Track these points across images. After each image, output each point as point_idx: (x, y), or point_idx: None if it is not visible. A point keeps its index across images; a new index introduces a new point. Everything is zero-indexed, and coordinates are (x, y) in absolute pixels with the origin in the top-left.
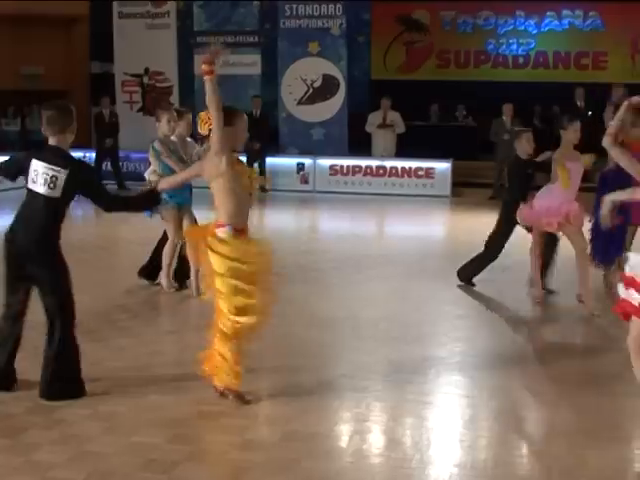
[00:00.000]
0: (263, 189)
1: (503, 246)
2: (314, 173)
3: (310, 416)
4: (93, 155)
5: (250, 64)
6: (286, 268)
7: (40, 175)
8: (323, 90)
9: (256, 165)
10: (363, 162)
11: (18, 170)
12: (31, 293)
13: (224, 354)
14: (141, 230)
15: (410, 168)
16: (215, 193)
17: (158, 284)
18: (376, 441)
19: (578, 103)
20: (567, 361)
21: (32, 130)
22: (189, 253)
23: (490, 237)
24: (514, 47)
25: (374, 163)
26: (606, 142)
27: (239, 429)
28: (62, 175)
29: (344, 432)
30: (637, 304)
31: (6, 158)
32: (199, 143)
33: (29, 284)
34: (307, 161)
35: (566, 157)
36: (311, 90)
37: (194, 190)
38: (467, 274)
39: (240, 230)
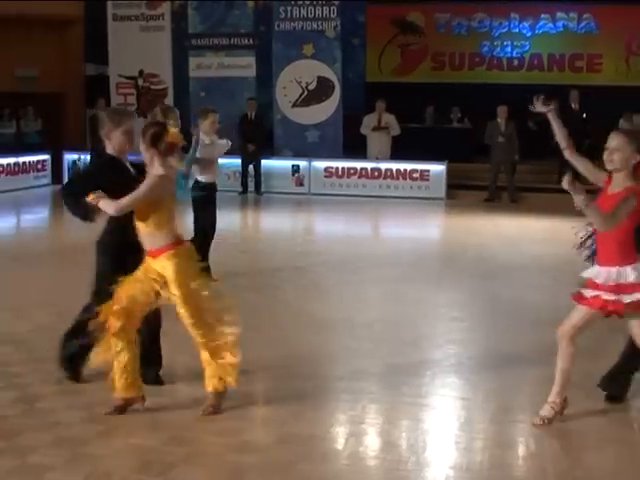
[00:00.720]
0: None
1: None
2: (309, 175)
3: (306, 418)
4: (87, 157)
5: (245, 66)
6: (281, 270)
7: None
8: (318, 92)
9: (251, 167)
10: (358, 164)
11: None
12: None
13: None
14: None
15: (405, 170)
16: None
17: None
18: (372, 443)
19: (572, 105)
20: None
21: (27, 132)
22: None
23: None
24: (509, 49)
25: (369, 165)
26: (566, 155)
27: (235, 431)
28: None
29: (340, 434)
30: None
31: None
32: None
33: None
34: (302, 163)
35: None
36: (306, 92)
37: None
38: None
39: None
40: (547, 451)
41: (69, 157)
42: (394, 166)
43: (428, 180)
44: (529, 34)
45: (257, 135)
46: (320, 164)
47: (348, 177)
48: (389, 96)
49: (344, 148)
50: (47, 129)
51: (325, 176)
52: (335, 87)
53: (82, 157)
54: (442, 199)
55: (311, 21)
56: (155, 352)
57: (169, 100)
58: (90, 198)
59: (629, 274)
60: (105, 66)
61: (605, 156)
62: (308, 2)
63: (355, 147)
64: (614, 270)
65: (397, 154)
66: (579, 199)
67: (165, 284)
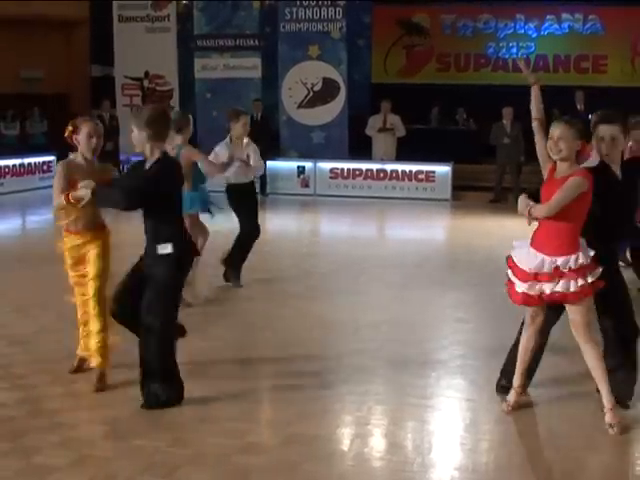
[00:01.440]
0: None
1: None
2: (314, 176)
3: (311, 419)
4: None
5: (250, 67)
6: (287, 271)
7: None
8: (323, 93)
9: None
10: (363, 165)
11: None
12: None
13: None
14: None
15: (410, 171)
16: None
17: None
18: (377, 444)
19: (578, 106)
20: (567, 363)
21: (32, 134)
22: None
23: None
24: (514, 51)
25: (374, 166)
26: (535, 124)
27: (240, 432)
28: None
29: (345, 435)
30: (574, 290)
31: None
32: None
33: None
34: (307, 164)
35: None
36: (311, 93)
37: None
38: None
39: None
40: (552, 452)
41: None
42: (399, 167)
43: (434, 181)
44: (534, 35)
45: (262, 136)
46: (325, 165)
47: (353, 178)
48: (394, 97)
49: (349, 149)
50: (52, 130)
51: (330, 177)
52: (340, 88)
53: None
54: (447, 200)
55: (316, 22)
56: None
57: (175, 102)
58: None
59: (570, 262)
60: (111, 67)
61: (550, 145)
62: (314, 3)
63: (360, 148)
64: (551, 259)
65: (402, 155)
66: (522, 206)
67: None
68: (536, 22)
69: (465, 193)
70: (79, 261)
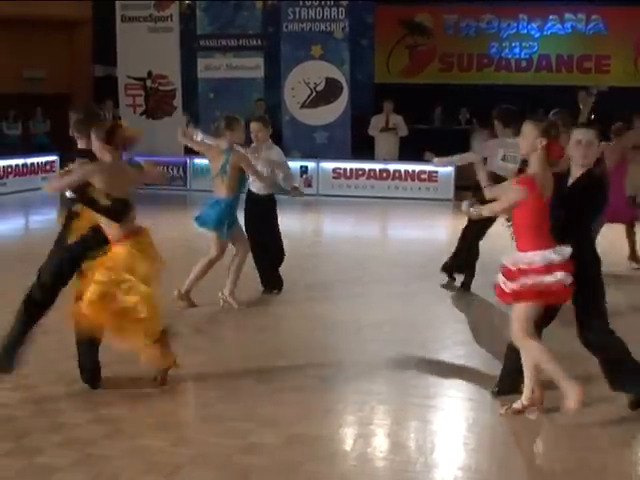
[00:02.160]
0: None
1: None
2: (317, 176)
3: (313, 419)
4: None
5: (253, 67)
6: (289, 271)
7: None
8: (326, 93)
9: None
10: (366, 165)
11: None
12: None
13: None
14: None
15: (413, 171)
16: None
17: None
18: (380, 444)
19: (581, 107)
20: (570, 364)
21: (34, 134)
22: None
23: None
24: (517, 50)
25: (377, 166)
26: (486, 191)
27: (242, 432)
28: None
29: (348, 435)
30: (509, 290)
31: None
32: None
33: None
34: (310, 164)
35: None
36: (314, 93)
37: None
38: None
39: None
40: (555, 452)
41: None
42: (402, 167)
43: (436, 181)
44: (537, 35)
45: None
46: (328, 165)
47: (356, 178)
48: (397, 97)
49: (352, 149)
50: (55, 130)
51: (333, 177)
52: (343, 88)
53: None
54: (450, 200)
55: (319, 22)
56: None
57: (178, 102)
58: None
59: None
60: (113, 67)
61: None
62: (316, 3)
63: (363, 148)
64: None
65: (405, 155)
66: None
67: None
68: (539, 22)
69: (468, 193)
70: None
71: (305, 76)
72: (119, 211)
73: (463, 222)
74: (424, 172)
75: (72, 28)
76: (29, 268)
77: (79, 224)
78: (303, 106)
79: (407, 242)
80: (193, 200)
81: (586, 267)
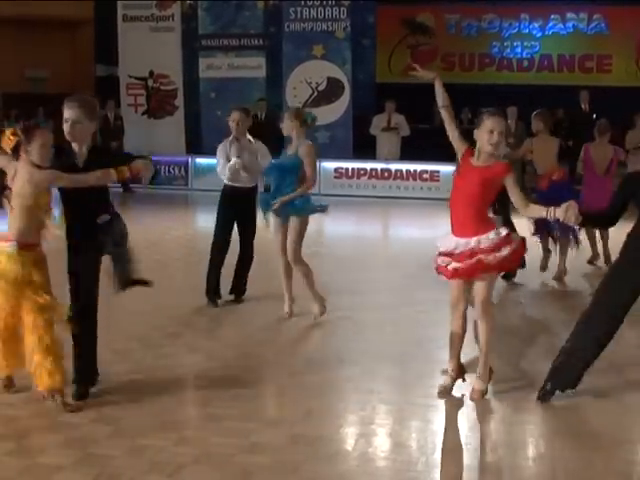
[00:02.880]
0: None
1: None
2: (319, 176)
3: (315, 419)
4: None
5: (255, 67)
6: None
7: None
8: (328, 93)
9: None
10: (368, 165)
11: None
12: None
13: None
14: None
15: (415, 171)
16: None
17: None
18: (381, 444)
19: (583, 106)
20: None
21: None
22: None
23: None
24: (519, 50)
25: (379, 166)
26: (443, 112)
27: (244, 432)
28: None
29: (349, 435)
30: (451, 269)
31: None
32: None
33: None
34: None
35: None
36: (316, 93)
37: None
38: None
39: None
40: (557, 452)
41: None
42: (404, 167)
43: (438, 181)
44: (539, 35)
45: (267, 136)
46: (330, 165)
47: (358, 178)
48: (399, 97)
49: (354, 149)
50: (57, 130)
51: (335, 177)
52: (345, 88)
53: None
54: None
55: (321, 22)
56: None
57: (179, 101)
58: None
59: (483, 242)
60: (115, 67)
61: (459, 139)
62: (318, 3)
63: (365, 148)
64: (470, 240)
65: (407, 155)
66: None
67: None
68: (541, 22)
69: None
70: None
71: (307, 76)
72: None
73: None
74: (426, 172)
75: (74, 28)
76: None
77: None
78: (305, 106)
79: (409, 242)
80: (194, 199)
81: None
